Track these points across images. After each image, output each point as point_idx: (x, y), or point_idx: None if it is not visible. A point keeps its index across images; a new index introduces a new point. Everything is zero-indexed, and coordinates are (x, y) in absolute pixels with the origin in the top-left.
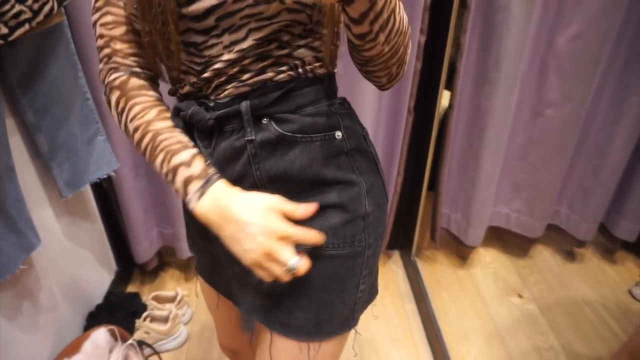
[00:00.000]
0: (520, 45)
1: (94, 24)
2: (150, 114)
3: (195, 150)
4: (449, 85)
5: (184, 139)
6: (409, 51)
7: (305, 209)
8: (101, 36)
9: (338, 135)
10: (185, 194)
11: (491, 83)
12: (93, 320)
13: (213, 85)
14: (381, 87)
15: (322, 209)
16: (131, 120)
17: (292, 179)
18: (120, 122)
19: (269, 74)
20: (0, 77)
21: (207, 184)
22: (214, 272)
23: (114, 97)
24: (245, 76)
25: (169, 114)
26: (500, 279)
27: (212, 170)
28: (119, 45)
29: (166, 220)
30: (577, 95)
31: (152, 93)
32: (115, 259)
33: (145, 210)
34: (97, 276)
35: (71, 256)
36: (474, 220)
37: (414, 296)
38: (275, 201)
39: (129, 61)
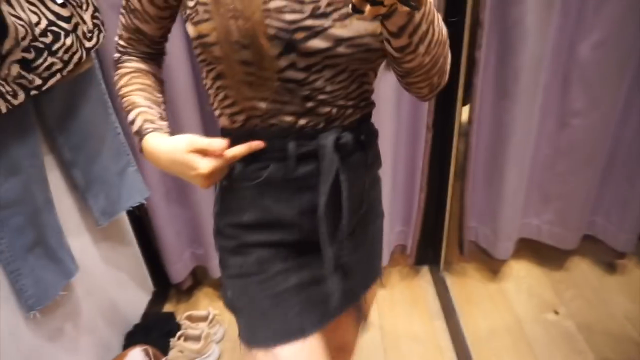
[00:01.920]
0: (539, 57)
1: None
2: (122, 80)
3: (138, 110)
4: (467, 101)
5: (137, 99)
6: (449, 60)
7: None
8: (118, 26)
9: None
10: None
11: (510, 96)
12: (131, 339)
13: (322, 117)
14: (422, 98)
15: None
16: (116, 87)
17: (366, 198)
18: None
19: (363, 107)
20: (39, 119)
21: (140, 140)
22: (321, 306)
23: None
24: (349, 112)
25: (139, 79)
26: (535, 294)
27: (145, 127)
28: (122, 42)
29: (198, 241)
30: (605, 104)
31: (132, 65)
32: (152, 279)
33: (178, 234)
34: (135, 297)
35: (110, 279)
36: (502, 233)
37: (444, 313)
38: (190, 140)
39: (127, 52)
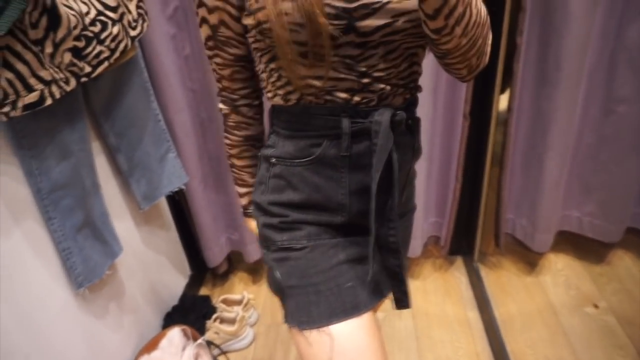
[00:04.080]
0: (583, 43)
1: (209, 58)
2: (233, 151)
3: (245, 190)
4: (506, 88)
5: (246, 177)
6: (489, 42)
7: None
8: (214, 71)
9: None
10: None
11: (552, 83)
12: (169, 320)
13: (376, 94)
14: (462, 79)
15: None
16: (226, 149)
17: (408, 185)
18: None
19: (412, 88)
20: (86, 107)
21: (243, 213)
22: (373, 287)
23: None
24: (400, 91)
25: (248, 153)
26: (573, 287)
27: (249, 209)
28: (226, 83)
29: (233, 227)
30: None
31: (241, 133)
32: (189, 263)
33: (215, 219)
34: (173, 280)
35: (150, 262)
36: (541, 225)
37: (477, 303)
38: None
39: (235, 95)
